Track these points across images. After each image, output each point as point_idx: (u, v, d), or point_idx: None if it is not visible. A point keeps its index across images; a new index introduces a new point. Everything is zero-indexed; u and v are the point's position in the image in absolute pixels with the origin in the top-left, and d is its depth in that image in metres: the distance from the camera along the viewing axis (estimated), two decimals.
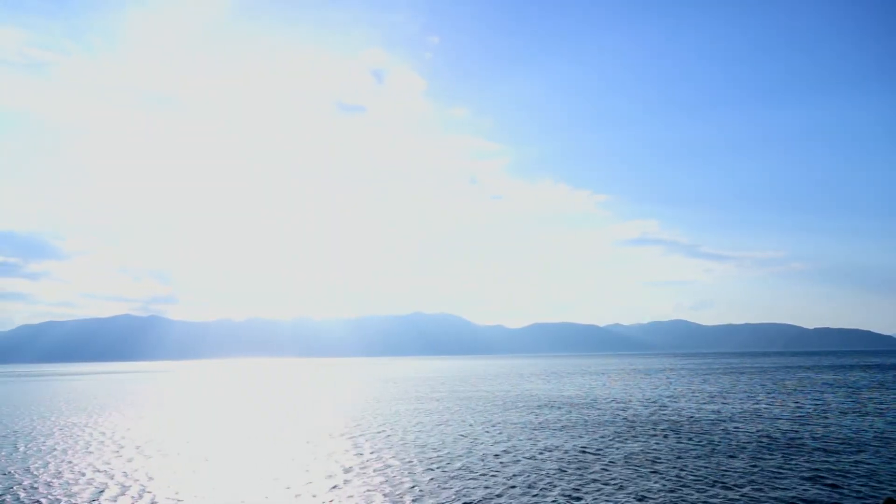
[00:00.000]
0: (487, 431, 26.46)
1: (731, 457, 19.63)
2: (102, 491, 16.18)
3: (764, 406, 35.30)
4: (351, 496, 15.08)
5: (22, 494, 15.99)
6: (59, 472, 18.81)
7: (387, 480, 16.81)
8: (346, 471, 18.22)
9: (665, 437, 24.08)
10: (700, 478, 16.58)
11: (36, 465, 20.14)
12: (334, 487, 16.19)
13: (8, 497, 15.67)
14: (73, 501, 15.07)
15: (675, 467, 18.00)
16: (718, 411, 32.98)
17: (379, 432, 26.89)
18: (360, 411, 36.60)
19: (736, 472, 17.29)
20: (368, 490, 15.70)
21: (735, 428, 26.29)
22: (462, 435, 25.46)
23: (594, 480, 16.44)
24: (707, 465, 18.29)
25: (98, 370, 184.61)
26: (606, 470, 17.82)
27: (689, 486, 15.58)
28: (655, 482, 16.08)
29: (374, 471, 18.17)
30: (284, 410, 38.65)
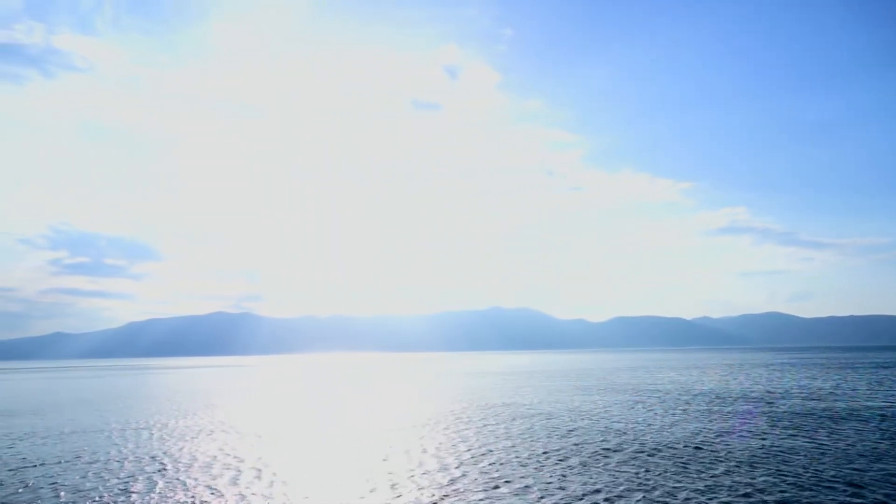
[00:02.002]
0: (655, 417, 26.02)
1: (868, 457, 18.33)
2: (237, 474, 17.15)
3: (889, 403, 32.75)
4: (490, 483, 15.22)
5: (167, 475, 17.20)
6: (194, 456, 20.13)
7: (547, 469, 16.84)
8: (471, 460, 18.42)
9: (793, 432, 22.81)
10: (839, 477, 15.58)
11: (172, 450, 21.63)
12: (450, 480, 16.36)
13: (155, 477, 16.90)
14: (211, 483, 16.05)
15: (807, 465, 17.00)
16: (836, 407, 30.92)
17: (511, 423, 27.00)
18: (465, 401, 36.98)
19: (878, 472, 16.11)
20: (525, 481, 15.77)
21: (865, 426, 24.52)
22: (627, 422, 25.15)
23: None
24: (843, 462, 17.16)
25: (198, 364, 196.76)
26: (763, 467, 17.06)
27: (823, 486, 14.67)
28: (803, 479, 15.25)
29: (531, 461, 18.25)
30: (387, 400, 39.68)
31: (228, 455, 20.19)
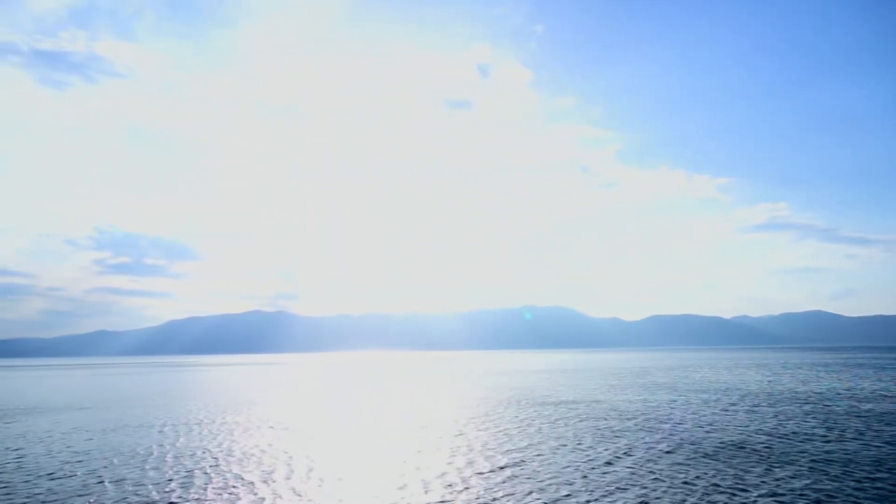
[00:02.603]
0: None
1: None
2: (283, 469, 17.54)
3: None
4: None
5: (217, 470, 17.69)
6: (240, 451, 20.65)
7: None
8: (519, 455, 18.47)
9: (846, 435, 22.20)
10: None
11: (218, 445, 22.22)
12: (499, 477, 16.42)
13: (207, 471, 17.41)
14: (259, 478, 16.46)
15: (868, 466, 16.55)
16: (889, 409, 29.94)
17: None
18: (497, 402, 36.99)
19: None
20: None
21: None
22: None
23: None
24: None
25: (235, 361, 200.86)
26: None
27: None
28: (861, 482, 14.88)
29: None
30: (426, 397, 39.94)
31: (273, 450, 20.65)
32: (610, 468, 16.92)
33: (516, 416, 29.28)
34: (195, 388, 56.87)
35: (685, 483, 15.01)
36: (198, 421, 29.53)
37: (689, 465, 17.14)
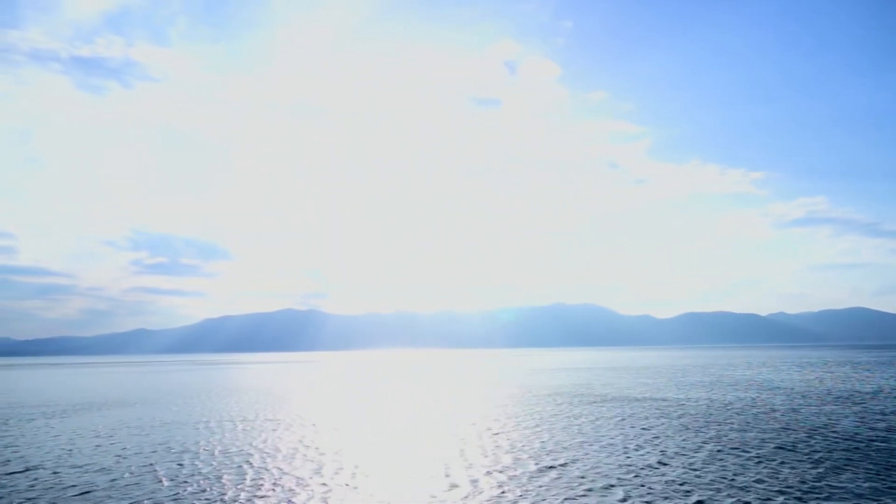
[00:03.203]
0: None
1: None
2: (319, 465, 17.62)
3: None
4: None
5: (254, 466, 17.87)
6: (276, 447, 20.84)
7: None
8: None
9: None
10: None
11: (255, 441, 22.46)
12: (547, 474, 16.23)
13: (244, 466, 17.59)
14: (296, 474, 16.55)
15: None
16: None
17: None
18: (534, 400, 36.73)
19: None
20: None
21: None
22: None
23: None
24: None
25: (268, 359, 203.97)
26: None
27: None
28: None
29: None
30: (461, 395, 39.90)
31: (309, 447, 20.79)
32: (662, 468, 16.54)
33: (555, 415, 28.97)
34: (232, 385, 57.83)
35: (740, 487, 14.59)
36: (240, 418, 29.94)
37: (739, 465, 16.67)
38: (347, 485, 15.16)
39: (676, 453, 18.56)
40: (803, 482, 14.62)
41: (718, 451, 18.84)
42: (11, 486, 15.56)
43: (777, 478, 15.12)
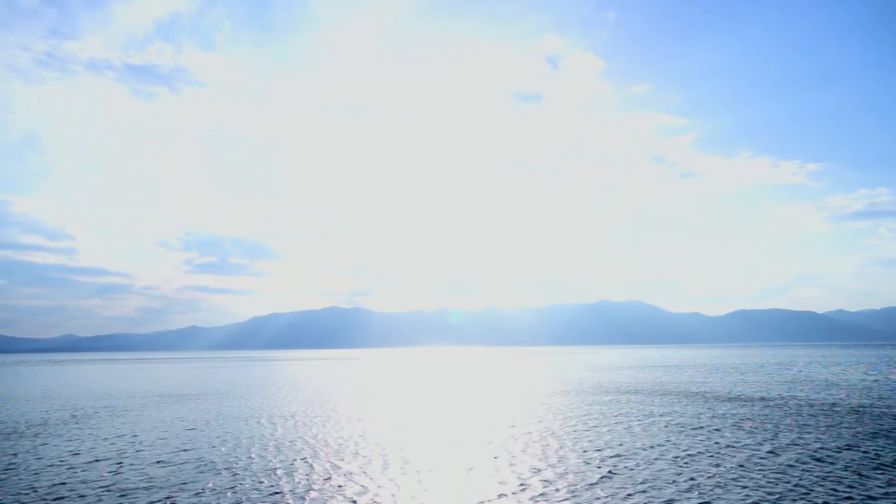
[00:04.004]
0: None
1: None
2: (374, 460, 17.89)
3: None
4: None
5: (309, 461, 18.26)
6: (327, 441, 21.25)
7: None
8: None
9: None
10: None
11: (309, 436, 22.95)
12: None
13: (299, 461, 18.01)
14: (352, 468, 16.84)
15: None
16: None
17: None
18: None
19: None
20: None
21: None
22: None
23: None
24: None
25: (315, 356, 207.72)
26: None
27: None
28: None
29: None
30: (513, 393, 39.83)
31: (362, 442, 21.12)
32: (718, 470, 16.15)
33: (608, 414, 28.59)
34: (282, 381, 59.17)
35: (805, 489, 14.11)
36: (291, 413, 30.64)
37: (800, 467, 16.12)
38: (401, 480, 15.34)
39: (734, 454, 18.06)
40: (866, 487, 14.04)
41: (778, 452, 18.25)
42: (80, 477, 16.35)
43: (843, 483, 14.55)
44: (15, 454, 19.82)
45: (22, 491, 14.78)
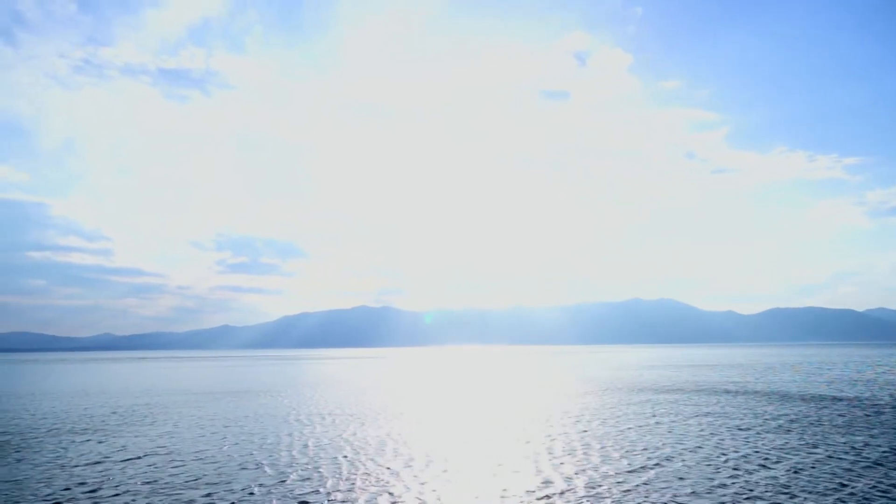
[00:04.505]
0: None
1: None
2: (410, 458, 17.90)
3: None
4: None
5: (350, 458, 18.35)
6: (364, 439, 21.34)
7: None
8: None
9: None
10: None
11: (346, 433, 23.10)
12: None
13: (339, 459, 18.12)
14: (390, 466, 16.86)
15: None
16: None
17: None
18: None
19: None
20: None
21: None
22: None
23: None
24: None
25: (346, 355, 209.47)
26: None
27: None
28: None
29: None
30: (537, 392, 39.58)
31: (400, 440, 21.17)
32: (765, 471, 15.74)
33: (642, 413, 28.18)
34: (314, 380, 59.78)
35: (851, 493, 13.66)
36: (328, 411, 30.90)
37: (847, 470, 15.61)
38: (442, 479, 15.30)
39: (777, 455, 17.59)
40: None
41: (823, 453, 17.71)
42: (129, 473, 16.70)
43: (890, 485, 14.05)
44: (65, 448, 20.36)
45: (69, 485, 15.16)
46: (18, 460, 18.56)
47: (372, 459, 17.93)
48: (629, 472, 15.89)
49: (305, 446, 20.42)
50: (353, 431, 23.62)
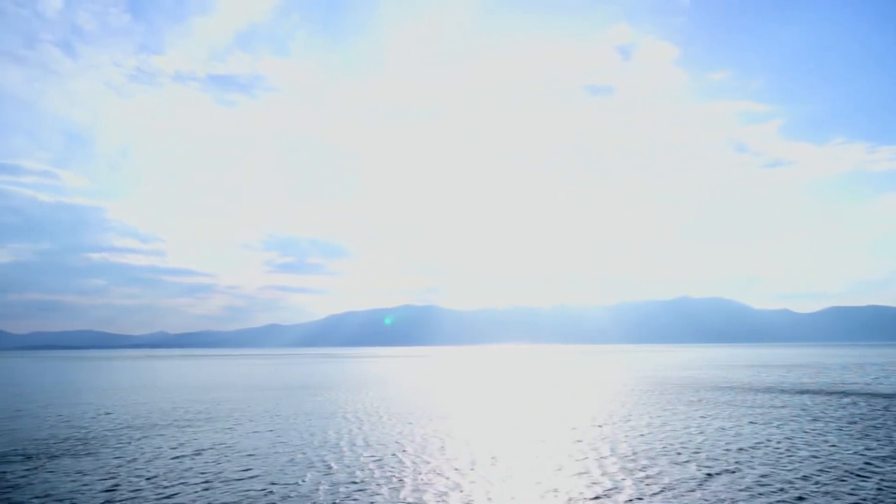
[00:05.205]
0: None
1: None
2: (465, 457, 17.93)
3: None
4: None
5: (400, 456, 18.49)
6: (412, 437, 21.46)
7: None
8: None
9: None
10: None
11: (395, 432, 23.29)
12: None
13: (387, 457, 18.27)
14: (446, 466, 16.91)
15: None
16: None
17: None
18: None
19: None
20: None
21: None
22: None
23: None
24: None
25: (391, 354, 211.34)
26: None
27: None
28: None
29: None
30: (589, 393, 39.07)
31: (448, 439, 21.21)
32: (851, 483, 15.10)
33: (703, 416, 27.44)
34: (361, 378, 60.54)
35: None
36: (374, 409, 31.24)
37: None
38: (492, 478, 15.25)
39: (856, 462, 16.84)
40: None
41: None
42: (188, 468, 17.26)
43: None
44: (128, 443, 21.19)
45: (133, 479, 15.75)
46: (88, 454, 19.41)
47: (420, 458, 18.02)
48: (686, 473, 15.47)
49: (354, 443, 20.68)
50: (401, 430, 23.79)
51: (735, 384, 45.93)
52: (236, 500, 13.56)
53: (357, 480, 15.26)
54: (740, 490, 13.87)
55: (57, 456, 18.93)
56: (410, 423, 25.62)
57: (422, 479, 15.27)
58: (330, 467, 16.87)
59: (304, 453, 19.04)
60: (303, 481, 15.21)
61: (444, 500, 13.33)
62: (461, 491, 14.13)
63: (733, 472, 15.75)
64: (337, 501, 13.33)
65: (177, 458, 18.49)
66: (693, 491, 13.85)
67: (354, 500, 13.46)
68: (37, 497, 13.96)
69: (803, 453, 18.14)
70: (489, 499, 13.46)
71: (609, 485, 14.52)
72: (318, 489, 14.39)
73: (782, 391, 39.36)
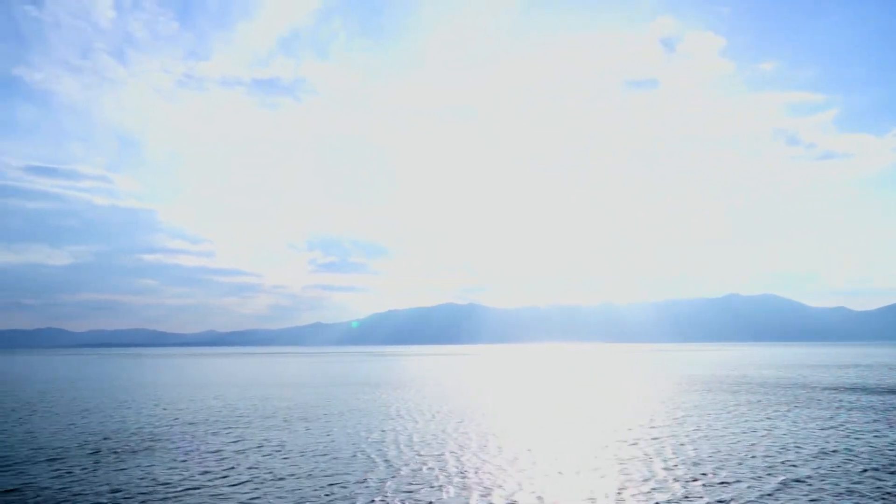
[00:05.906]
0: None
1: None
2: (512, 455, 17.81)
3: None
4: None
5: (457, 453, 18.49)
6: (468, 435, 21.42)
7: None
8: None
9: None
10: None
11: (448, 429, 23.31)
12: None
13: (446, 454, 18.29)
14: (494, 463, 16.82)
15: None
16: None
17: None
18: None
19: None
20: None
21: None
22: None
23: None
24: None
25: (434, 352, 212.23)
26: None
27: None
28: None
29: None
30: (638, 393, 38.38)
31: (503, 437, 21.13)
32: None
33: (768, 418, 26.58)
34: (406, 376, 60.93)
35: None
36: (427, 407, 31.36)
37: None
38: (552, 477, 15.08)
39: None
40: None
41: None
42: (243, 464, 17.65)
43: None
44: (192, 439, 21.82)
45: (192, 476, 16.18)
46: (154, 449, 20.07)
47: (478, 456, 17.98)
48: (753, 478, 14.98)
49: (411, 441, 20.77)
50: (455, 427, 23.80)
51: (797, 383, 44.31)
52: (308, 496, 13.77)
53: (413, 476, 15.28)
54: (820, 501, 13.32)
55: (124, 451, 19.63)
56: (464, 421, 25.60)
57: (478, 476, 15.18)
58: (387, 464, 16.96)
59: (359, 450, 19.22)
60: (361, 478, 15.35)
61: (501, 497, 13.23)
62: (522, 490, 13.99)
63: (810, 481, 15.15)
64: (404, 500, 13.40)
65: (231, 454, 18.86)
66: (773, 499, 13.37)
67: (419, 499, 13.48)
68: (109, 489, 14.48)
69: (884, 460, 17.32)
70: (543, 496, 13.29)
71: (680, 493, 14.08)
72: (376, 486, 14.49)
73: (851, 390, 37.76)
